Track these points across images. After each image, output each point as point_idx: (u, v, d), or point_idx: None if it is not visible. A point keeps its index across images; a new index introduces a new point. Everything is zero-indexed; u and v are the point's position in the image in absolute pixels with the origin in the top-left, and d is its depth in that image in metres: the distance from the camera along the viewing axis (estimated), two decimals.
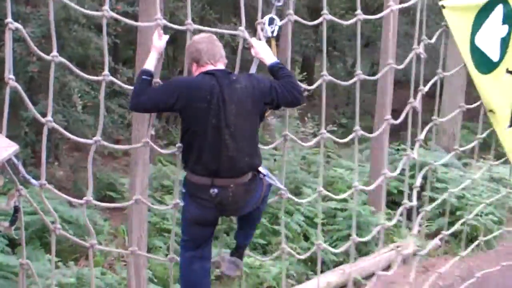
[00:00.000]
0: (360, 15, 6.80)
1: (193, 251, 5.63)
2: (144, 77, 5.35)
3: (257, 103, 5.37)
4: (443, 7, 7.61)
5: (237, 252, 6.29)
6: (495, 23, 7.85)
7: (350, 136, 7.12)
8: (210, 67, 5.38)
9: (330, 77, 6.75)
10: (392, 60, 7.88)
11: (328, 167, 14.62)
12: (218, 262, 6.44)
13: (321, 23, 6.57)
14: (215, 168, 5.25)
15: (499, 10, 7.81)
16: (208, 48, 5.44)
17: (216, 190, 5.25)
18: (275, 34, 6.10)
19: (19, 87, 5.10)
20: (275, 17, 6.16)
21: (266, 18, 6.09)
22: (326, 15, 6.47)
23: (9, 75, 4.99)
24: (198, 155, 5.31)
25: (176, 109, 5.38)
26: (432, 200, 12.79)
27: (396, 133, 14.21)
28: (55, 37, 5.24)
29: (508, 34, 7.91)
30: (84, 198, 5.62)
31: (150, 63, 5.47)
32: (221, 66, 5.46)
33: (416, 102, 7.38)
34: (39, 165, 5.75)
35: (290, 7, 6.28)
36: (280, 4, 6.36)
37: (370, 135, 8.24)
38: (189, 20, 5.89)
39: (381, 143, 13.05)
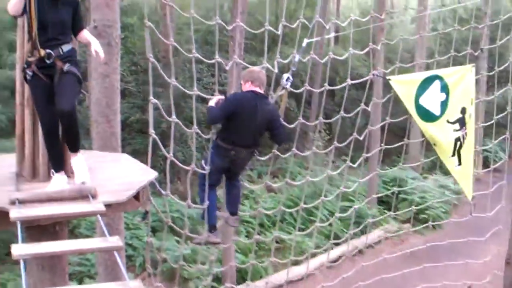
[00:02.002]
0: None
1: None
2: (212, 107, 7.77)
3: (268, 123, 8.02)
4: (390, 79, 10.14)
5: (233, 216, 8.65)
6: (435, 91, 10.36)
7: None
8: (257, 89, 7.89)
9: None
10: None
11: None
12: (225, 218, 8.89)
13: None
14: (237, 141, 7.83)
15: (436, 83, 10.37)
16: (261, 77, 7.97)
17: (234, 152, 7.87)
18: (288, 86, 8.66)
19: (156, 138, 7.50)
20: (290, 76, 8.66)
21: (285, 76, 8.65)
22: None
23: (151, 130, 7.50)
24: (230, 134, 7.80)
25: (232, 114, 7.71)
26: (404, 199, 18.25)
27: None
28: (173, 107, 7.77)
29: (446, 98, 10.46)
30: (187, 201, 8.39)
31: (212, 102, 7.86)
32: (261, 90, 7.93)
33: None
34: (165, 182, 8.20)
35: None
36: (295, 69, 8.93)
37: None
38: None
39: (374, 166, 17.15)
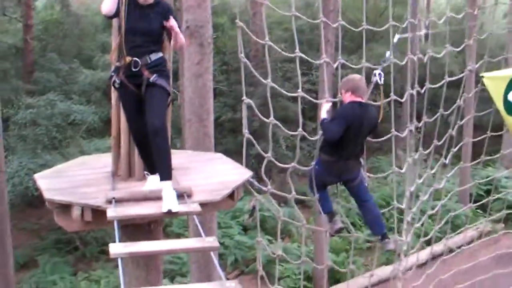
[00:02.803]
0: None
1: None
2: (326, 120, 7.40)
3: (372, 129, 7.77)
4: (483, 77, 9.96)
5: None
6: None
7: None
8: (359, 99, 7.49)
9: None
10: None
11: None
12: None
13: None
14: (345, 154, 7.52)
15: None
16: (363, 86, 7.60)
17: (341, 163, 7.56)
18: (381, 82, 8.10)
19: (251, 137, 7.24)
20: (381, 72, 8.18)
21: (376, 72, 8.20)
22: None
23: (245, 130, 7.22)
24: (337, 148, 7.46)
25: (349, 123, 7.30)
26: (498, 199, 17.65)
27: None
28: (271, 107, 7.45)
29: None
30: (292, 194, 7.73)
31: (324, 113, 7.53)
32: (364, 99, 7.57)
33: None
34: (258, 181, 7.58)
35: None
36: (385, 64, 8.46)
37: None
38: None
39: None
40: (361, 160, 7.86)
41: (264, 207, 10.03)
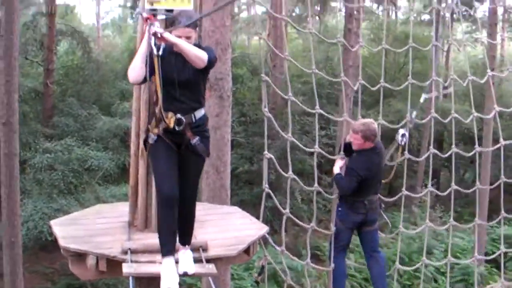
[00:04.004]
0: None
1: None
2: (339, 176, 7.67)
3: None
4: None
5: None
6: None
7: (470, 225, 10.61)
8: (371, 145, 7.61)
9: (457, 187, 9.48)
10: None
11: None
12: None
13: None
14: (367, 193, 7.64)
15: None
16: (376, 132, 7.63)
17: (367, 202, 7.63)
18: (403, 143, 8.45)
19: (270, 192, 7.36)
20: (406, 133, 8.45)
21: (401, 131, 8.46)
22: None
23: (265, 184, 7.39)
24: (360, 190, 7.55)
25: (367, 175, 7.53)
26: None
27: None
28: (290, 162, 7.74)
29: None
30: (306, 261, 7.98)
31: (337, 169, 7.76)
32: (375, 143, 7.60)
33: None
34: (274, 234, 8.90)
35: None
36: (411, 126, 8.73)
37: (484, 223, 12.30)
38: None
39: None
40: (381, 203, 8.03)
41: (277, 260, 10.03)
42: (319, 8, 37.75)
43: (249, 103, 24.86)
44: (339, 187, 7.71)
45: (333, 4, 37.52)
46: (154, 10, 6.25)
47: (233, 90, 17.49)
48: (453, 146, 9.57)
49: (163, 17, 6.16)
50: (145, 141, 5.63)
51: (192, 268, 5.54)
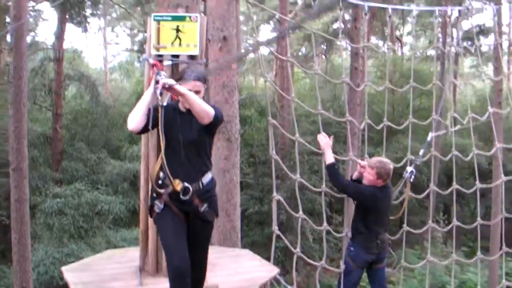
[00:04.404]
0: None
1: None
2: (335, 167, 7.51)
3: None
4: None
5: None
6: None
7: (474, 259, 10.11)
8: (382, 184, 7.48)
9: (458, 223, 9.58)
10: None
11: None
12: None
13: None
14: (378, 231, 7.47)
15: None
16: (391, 173, 7.51)
17: (379, 241, 7.50)
18: (411, 180, 8.45)
19: (280, 234, 7.45)
20: (414, 170, 8.46)
21: (408, 169, 8.49)
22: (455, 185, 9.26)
23: (275, 227, 7.49)
24: (371, 227, 7.47)
25: (356, 198, 7.61)
26: None
27: None
28: (300, 202, 7.88)
29: None
30: None
31: (330, 158, 7.53)
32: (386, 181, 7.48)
33: None
34: (286, 274, 9.22)
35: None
36: (418, 163, 8.78)
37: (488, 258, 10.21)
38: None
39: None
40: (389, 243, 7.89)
41: None
42: (325, 47, 38.02)
43: (257, 144, 24.93)
44: (332, 177, 7.58)
45: (339, 43, 37.79)
46: (160, 56, 6.28)
47: (241, 131, 17.63)
48: (454, 183, 9.68)
49: (169, 63, 6.21)
50: (151, 208, 5.28)
51: None
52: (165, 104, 5.07)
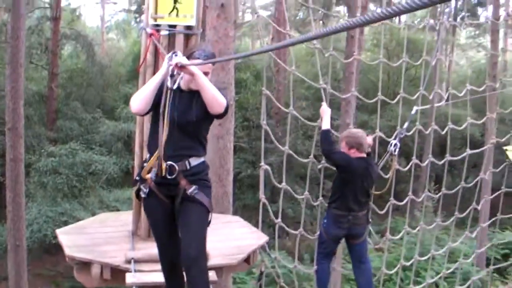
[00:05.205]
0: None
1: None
2: (329, 134, 7.55)
3: (373, 183, 7.75)
4: (506, 150, 10.56)
5: None
6: None
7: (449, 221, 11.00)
8: (362, 154, 7.53)
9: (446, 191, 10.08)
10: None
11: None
12: None
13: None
14: (353, 207, 7.51)
15: None
16: (365, 143, 7.58)
17: (351, 217, 7.53)
18: (396, 153, 8.50)
19: (266, 202, 7.71)
20: (397, 143, 8.49)
21: (393, 142, 8.53)
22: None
23: (262, 195, 7.78)
24: (345, 201, 7.51)
25: (341, 167, 7.56)
26: None
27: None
28: (284, 171, 8.06)
29: None
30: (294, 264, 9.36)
31: (326, 124, 7.61)
32: (365, 154, 7.58)
33: None
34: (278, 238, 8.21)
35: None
36: (402, 136, 8.73)
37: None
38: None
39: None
40: (369, 217, 7.92)
41: (280, 264, 10.24)
42: (322, 13, 37.87)
43: (252, 108, 24.97)
44: (321, 142, 7.67)
45: (337, 8, 37.62)
46: (158, 25, 6.32)
47: (236, 94, 17.66)
48: (447, 154, 10.07)
49: (166, 33, 6.27)
50: (137, 192, 4.98)
51: None
52: (175, 87, 4.72)
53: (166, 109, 4.59)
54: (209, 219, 4.83)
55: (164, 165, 4.66)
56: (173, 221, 4.89)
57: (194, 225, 4.70)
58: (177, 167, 4.69)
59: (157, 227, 5.01)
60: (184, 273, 4.86)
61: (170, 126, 4.66)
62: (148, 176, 4.78)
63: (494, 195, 12.28)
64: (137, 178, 4.98)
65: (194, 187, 4.72)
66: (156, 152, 4.69)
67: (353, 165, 7.50)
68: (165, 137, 4.60)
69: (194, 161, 4.78)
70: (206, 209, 4.77)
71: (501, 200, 11.17)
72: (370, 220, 7.97)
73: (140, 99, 4.70)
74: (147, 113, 4.86)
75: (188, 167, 4.74)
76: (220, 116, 4.80)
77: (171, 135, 4.67)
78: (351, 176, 7.53)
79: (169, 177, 4.69)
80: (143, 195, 4.87)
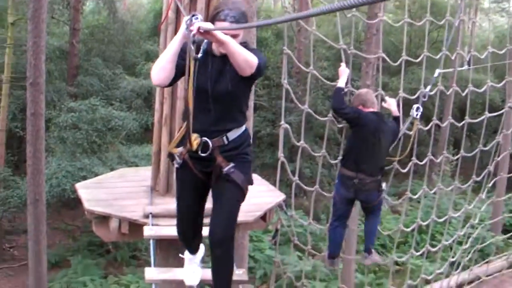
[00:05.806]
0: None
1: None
2: (342, 92, 7.50)
3: (391, 142, 7.86)
4: None
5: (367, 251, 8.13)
6: None
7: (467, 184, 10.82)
8: (371, 109, 7.53)
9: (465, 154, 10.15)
10: None
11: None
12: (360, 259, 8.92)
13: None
14: (361, 167, 7.50)
15: None
16: (370, 98, 7.66)
17: (357, 180, 7.51)
18: (418, 116, 8.45)
19: (285, 161, 7.60)
20: (420, 107, 8.48)
21: (415, 106, 8.50)
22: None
23: (281, 154, 7.52)
24: (354, 158, 7.53)
25: (352, 120, 7.49)
26: None
27: None
28: (303, 131, 7.84)
29: None
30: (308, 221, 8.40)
31: (342, 83, 7.56)
32: (375, 109, 7.61)
33: None
34: (295, 197, 8.16)
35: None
36: (425, 100, 8.74)
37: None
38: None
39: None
40: (383, 185, 7.83)
41: (296, 223, 10.35)
42: None
43: (273, 66, 24.81)
44: (336, 100, 7.61)
45: None
46: None
47: None
48: (467, 117, 9.97)
49: None
50: (171, 155, 4.64)
51: (197, 282, 5.25)
52: (200, 55, 4.20)
53: (194, 78, 4.14)
54: (244, 198, 4.57)
55: (197, 140, 4.32)
56: (204, 192, 4.72)
57: (226, 205, 4.44)
58: (211, 144, 4.34)
59: (183, 195, 4.75)
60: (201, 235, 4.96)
61: (203, 98, 4.28)
62: (177, 150, 4.50)
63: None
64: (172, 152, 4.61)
65: (230, 165, 4.38)
66: (183, 127, 4.40)
67: (364, 117, 7.49)
68: (192, 110, 4.21)
69: (233, 134, 4.40)
70: (241, 189, 4.45)
71: None
72: (383, 189, 7.83)
73: (158, 70, 4.26)
74: (172, 83, 4.42)
75: (226, 141, 4.38)
76: (255, 77, 4.27)
77: (205, 107, 4.31)
78: (363, 130, 7.51)
79: (202, 154, 4.35)
80: (176, 165, 4.57)
